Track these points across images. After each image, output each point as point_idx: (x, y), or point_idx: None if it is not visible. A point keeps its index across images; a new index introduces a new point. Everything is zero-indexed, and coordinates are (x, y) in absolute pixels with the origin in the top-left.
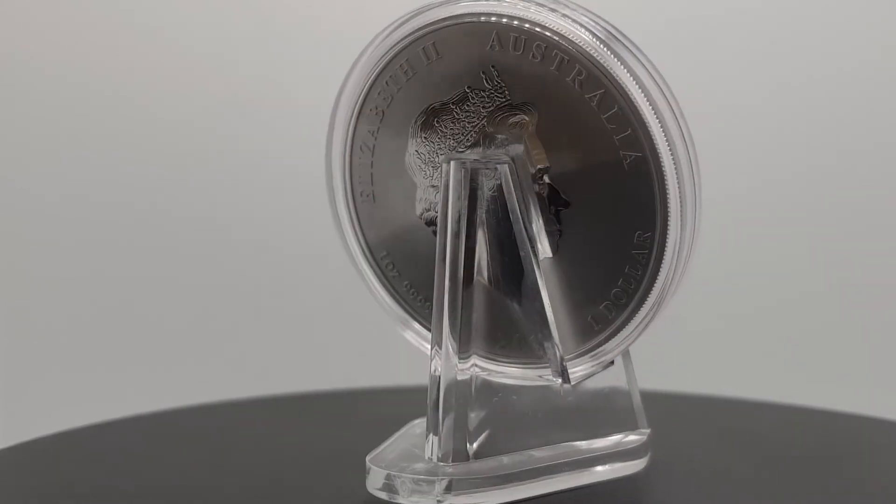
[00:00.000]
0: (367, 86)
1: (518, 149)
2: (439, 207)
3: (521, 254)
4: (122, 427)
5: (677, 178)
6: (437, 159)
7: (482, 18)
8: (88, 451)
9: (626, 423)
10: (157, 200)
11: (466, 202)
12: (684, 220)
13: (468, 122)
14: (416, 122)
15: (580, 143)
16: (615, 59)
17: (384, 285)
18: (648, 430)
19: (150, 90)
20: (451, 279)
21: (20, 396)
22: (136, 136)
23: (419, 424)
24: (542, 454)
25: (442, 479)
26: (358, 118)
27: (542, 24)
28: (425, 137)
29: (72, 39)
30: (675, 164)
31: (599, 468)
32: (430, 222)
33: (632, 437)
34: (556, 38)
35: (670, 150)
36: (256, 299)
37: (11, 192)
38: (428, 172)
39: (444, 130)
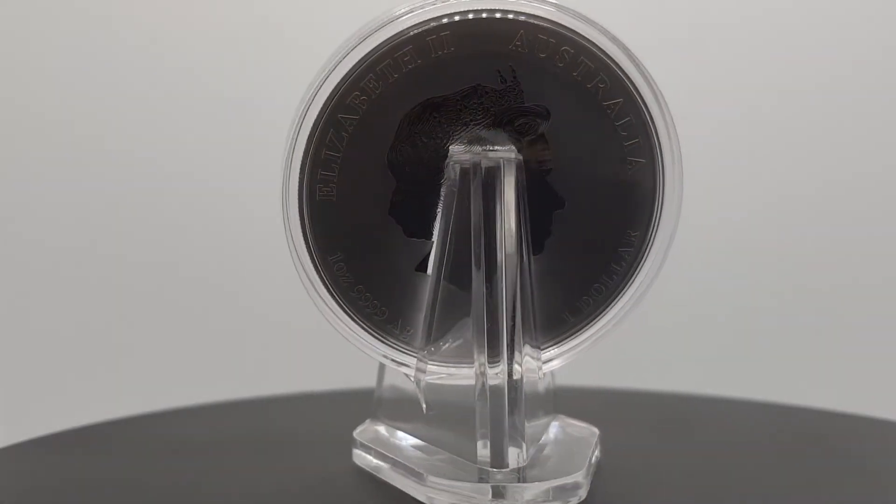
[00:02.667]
0: (361, 70)
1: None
2: (473, 208)
3: (524, 253)
4: (122, 427)
5: (675, 183)
6: (427, 155)
7: (511, 16)
8: (88, 451)
9: (550, 408)
10: (152, 202)
11: (496, 203)
12: (675, 220)
13: (471, 120)
14: (408, 115)
15: (588, 147)
16: (638, 72)
17: (330, 290)
18: (561, 415)
19: (136, 95)
20: (490, 281)
21: (20, 396)
22: (128, 142)
23: (382, 429)
24: (553, 450)
25: (536, 485)
26: (336, 105)
27: (575, 30)
28: (417, 132)
29: (60, 43)
30: (676, 170)
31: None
32: (405, 221)
33: (558, 423)
34: (590, 46)
35: (673, 158)
36: (259, 301)
37: (11, 193)
38: (412, 169)
39: (442, 125)
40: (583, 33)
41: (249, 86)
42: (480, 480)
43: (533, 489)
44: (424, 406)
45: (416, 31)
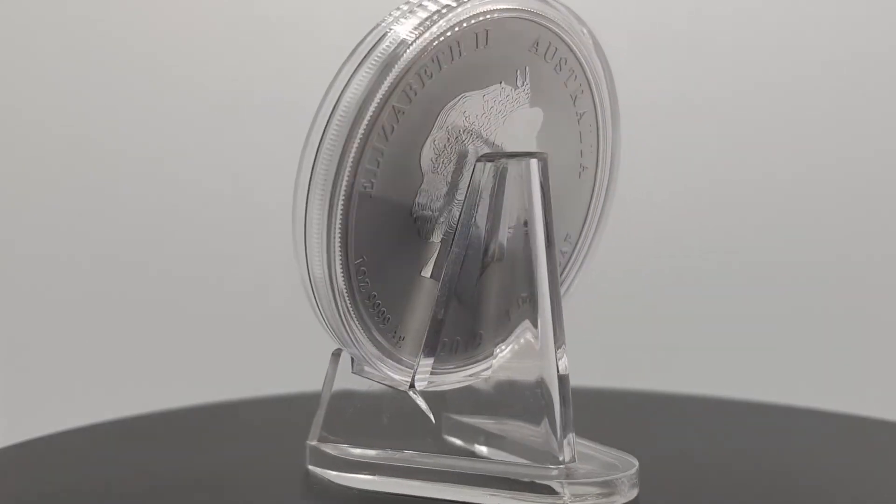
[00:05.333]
0: (430, 51)
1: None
2: (519, 204)
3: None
4: (122, 427)
5: (605, 190)
6: (449, 151)
7: (540, 21)
8: (88, 451)
9: None
10: (154, 201)
11: (546, 198)
12: (601, 226)
13: (491, 118)
14: (445, 108)
15: (558, 150)
16: (606, 84)
17: (353, 299)
18: None
19: (139, 87)
20: (545, 275)
21: (20, 396)
22: (131, 134)
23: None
24: None
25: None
26: (398, 91)
27: (576, 37)
28: (447, 127)
29: (60, 43)
30: (609, 178)
31: None
32: (423, 221)
33: None
34: (580, 56)
35: (610, 165)
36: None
37: (11, 192)
38: (437, 165)
39: (469, 121)
40: (577, 40)
41: (233, 84)
42: (542, 478)
43: (602, 485)
44: (432, 416)
45: (481, 19)
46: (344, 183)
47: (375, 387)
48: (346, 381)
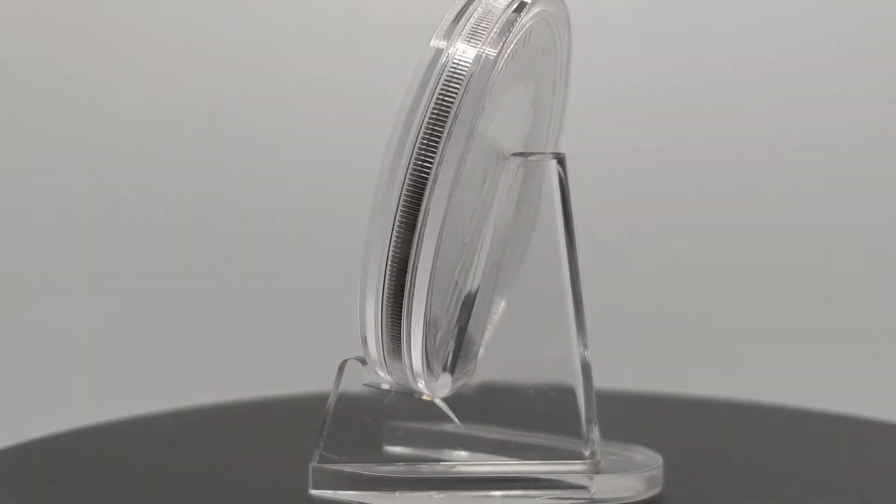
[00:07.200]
0: (512, 45)
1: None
2: (551, 204)
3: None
4: (123, 427)
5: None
6: (482, 152)
7: (551, 22)
8: (87, 452)
9: None
10: (159, 202)
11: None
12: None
13: (519, 115)
14: (500, 107)
15: (530, 148)
16: (564, 95)
17: (418, 306)
18: None
19: (156, 85)
20: (567, 271)
21: (20, 396)
22: (138, 136)
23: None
24: None
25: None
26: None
27: (564, 43)
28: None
29: (72, 38)
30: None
31: None
32: (464, 222)
33: None
34: (560, 63)
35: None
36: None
37: (12, 191)
38: (476, 167)
39: (496, 121)
40: (563, 45)
41: (234, 83)
42: (569, 474)
43: (630, 479)
44: (458, 422)
45: (538, 20)
46: (447, 181)
47: (383, 397)
48: (354, 392)
